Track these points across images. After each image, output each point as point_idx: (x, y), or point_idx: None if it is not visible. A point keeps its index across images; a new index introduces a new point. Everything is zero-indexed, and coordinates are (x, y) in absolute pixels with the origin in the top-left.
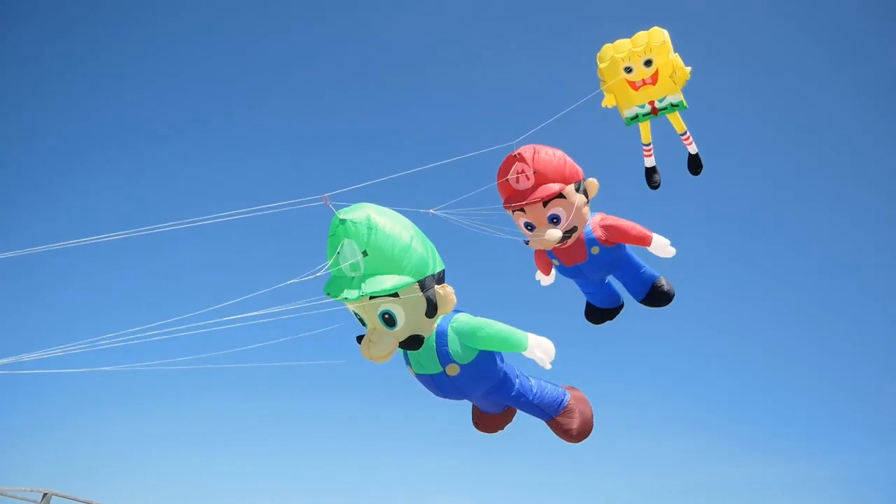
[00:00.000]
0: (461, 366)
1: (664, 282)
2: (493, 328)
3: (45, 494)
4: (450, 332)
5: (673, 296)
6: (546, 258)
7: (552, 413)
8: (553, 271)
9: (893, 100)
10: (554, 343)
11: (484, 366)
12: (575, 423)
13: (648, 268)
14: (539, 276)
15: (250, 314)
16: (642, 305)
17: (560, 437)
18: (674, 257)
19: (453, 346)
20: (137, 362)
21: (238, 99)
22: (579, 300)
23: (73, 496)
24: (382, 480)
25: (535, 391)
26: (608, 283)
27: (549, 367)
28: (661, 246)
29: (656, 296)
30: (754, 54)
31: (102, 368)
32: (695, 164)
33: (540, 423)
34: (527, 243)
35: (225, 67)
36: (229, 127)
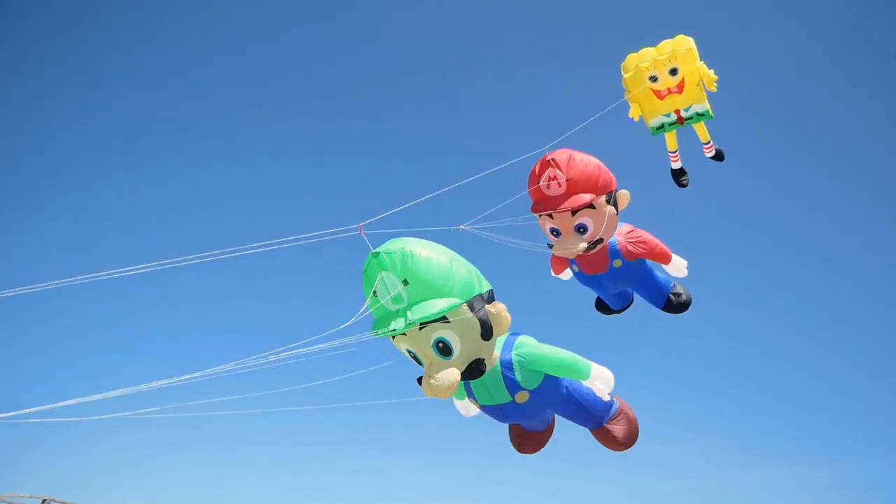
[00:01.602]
0: (530, 391)
1: (681, 290)
2: (558, 356)
3: (44, 500)
4: (514, 359)
5: (690, 303)
6: (563, 262)
7: (602, 419)
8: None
9: (893, 100)
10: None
11: (551, 388)
12: (622, 431)
13: (663, 279)
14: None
15: (285, 352)
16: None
17: (606, 445)
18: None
19: (520, 373)
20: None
21: (261, 111)
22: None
23: (72, 502)
24: (385, 485)
25: (586, 396)
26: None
27: (607, 398)
28: (678, 265)
29: (673, 307)
30: (754, 55)
31: (140, 412)
32: (718, 156)
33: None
34: (550, 247)
35: (248, 80)
36: (249, 142)
